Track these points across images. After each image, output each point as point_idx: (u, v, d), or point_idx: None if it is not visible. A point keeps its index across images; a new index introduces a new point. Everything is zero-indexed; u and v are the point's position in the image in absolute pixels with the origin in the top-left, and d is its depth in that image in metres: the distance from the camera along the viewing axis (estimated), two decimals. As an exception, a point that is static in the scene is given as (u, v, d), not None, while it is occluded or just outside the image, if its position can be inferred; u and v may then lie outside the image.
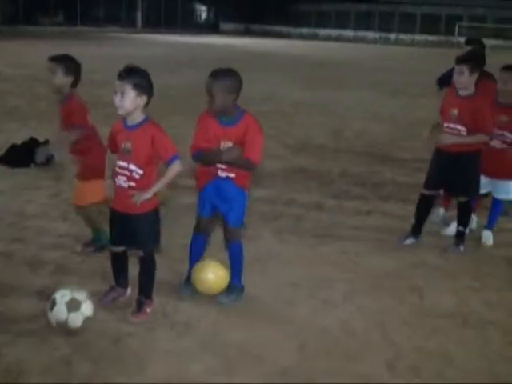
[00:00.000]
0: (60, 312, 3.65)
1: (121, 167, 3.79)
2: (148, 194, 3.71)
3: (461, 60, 5.00)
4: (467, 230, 5.49)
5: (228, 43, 37.58)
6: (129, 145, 3.73)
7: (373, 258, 5.07)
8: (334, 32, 51.61)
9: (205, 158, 4.04)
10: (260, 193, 6.90)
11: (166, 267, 4.54)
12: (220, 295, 4.22)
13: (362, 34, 50.50)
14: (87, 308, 3.73)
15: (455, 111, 5.04)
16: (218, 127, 4.00)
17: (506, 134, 5.35)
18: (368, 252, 5.13)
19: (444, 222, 6.01)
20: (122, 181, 3.80)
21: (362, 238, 5.43)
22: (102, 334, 3.76)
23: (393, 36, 49.88)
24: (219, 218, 4.31)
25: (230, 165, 4.01)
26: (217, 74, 3.91)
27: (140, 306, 3.98)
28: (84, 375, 3.37)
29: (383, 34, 50.08)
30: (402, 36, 49.19)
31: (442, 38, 47.05)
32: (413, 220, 5.47)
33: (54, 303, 3.69)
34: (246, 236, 5.47)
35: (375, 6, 52.76)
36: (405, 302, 4.41)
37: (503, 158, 5.41)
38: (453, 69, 6.43)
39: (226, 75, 3.92)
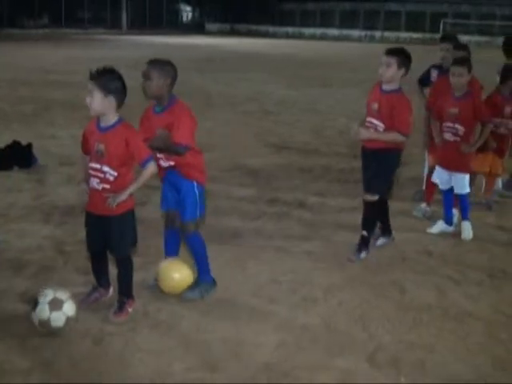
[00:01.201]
0: (42, 311, 3.66)
1: (94, 169, 3.78)
2: (123, 196, 3.71)
3: (390, 52, 4.78)
4: (383, 240, 5.36)
5: (213, 43, 37.57)
6: (102, 146, 3.73)
7: (354, 253, 5.08)
8: (319, 31, 51.74)
9: None
10: (242, 191, 6.94)
11: (147, 266, 4.54)
12: (185, 291, 4.22)
13: (346, 32, 50.67)
14: (69, 308, 3.74)
15: (376, 105, 4.84)
16: (153, 116, 4.07)
17: (457, 126, 5.39)
18: (349, 248, 5.15)
19: (426, 216, 6.06)
20: (95, 183, 3.79)
21: (344, 234, 5.45)
22: (85, 335, 3.76)
23: (378, 34, 50.07)
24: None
25: (163, 151, 4.02)
26: (155, 61, 4.03)
27: (121, 306, 3.99)
28: (66, 375, 3.38)
29: (368, 32, 50.27)
30: (387, 34, 49.39)
31: (427, 35, 47.30)
32: (364, 233, 5.11)
33: (36, 303, 3.70)
34: (227, 234, 5.54)
35: (360, 4, 52.94)
36: (385, 297, 4.45)
37: (456, 150, 5.45)
38: (431, 67, 6.53)
39: (163, 63, 4.04)
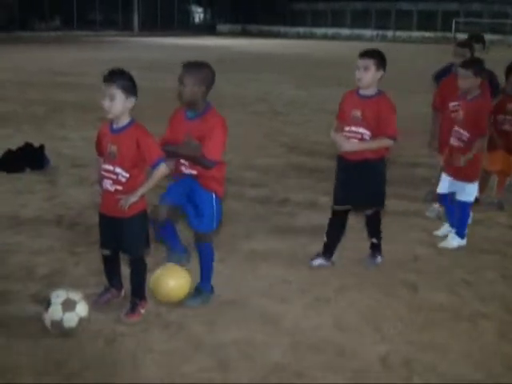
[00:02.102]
0: (55, 312, 3.69)
1: (107, 170, 3.80)
2: (134, 198, 3.72)
3: (366, 54, 4.49)
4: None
5: (224, 44, 37.62)
6: (114, 148, 3.75)
7: (364, 253, 5.06)
8: (331, 31, 51.66)
9: (167, 151, 3.99)
10: (254, 192, 6.95)
11: (159, 267, 4.56)
12: (187, 299, 4.20)
13: (358, 32, 50.52)
14: (82, 308, 3.76)
15: (358, 113, 4.51)
16: (184, 121, 4.03)
17: (462, 131, 5.15)
18: (360, 248, 5.13)
19: (438, 216, 6.03)
20: (108, 184, 3.81)
21: (355, 234, 5.42)
22: (97, 335, 3.78)
23: (390, 33, 49.90)
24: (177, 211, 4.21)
25: (189, 160, 3.98)
26: (190, 65, 3.98)
27: (133, 307, 4.00)
28: (79, 376, 3.40)
29: (380, 32, 50.11)
30: (399, 33, 49.22)
31: (438, 34, 47.12)
32: (325, 238, 4.94)
33: (49, 303, 3.72)
34: (238, 235, 5.55)
35: (371, 3, 52.81)
36: (397, 297, 4.44)
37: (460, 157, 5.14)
38: (450, 65, 6.32)
39: (199, 67, 3.99)
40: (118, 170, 3.75)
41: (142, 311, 4.02)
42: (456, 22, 47.63)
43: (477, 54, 6.07)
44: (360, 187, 4.62)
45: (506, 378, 3.51)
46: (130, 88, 3.69)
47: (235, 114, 11.60)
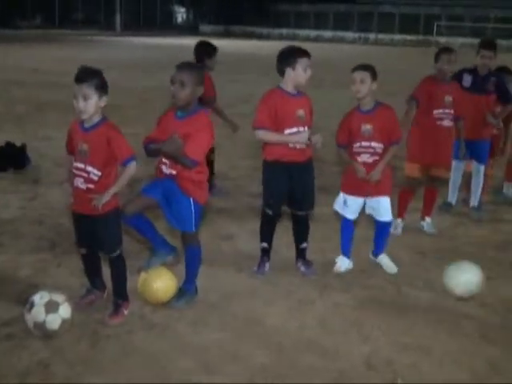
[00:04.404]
0: (38, 313, 3.66)
1: (78, 168, 3.78)
2: (107, 197, 3.70)
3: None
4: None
5: (207, 45, 37.49)
6: (85, 146, 3.73)
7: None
8: (313, 33, 51.79)
9: (150, 148, 3.99)
10: (238, 193, 6.96)
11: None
12: (171, 300, 4.18)
13: (340, 34, 50.74)
14: (65, 310, 3.74)
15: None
16: (173, 120, 4.02)
17: (374, 144, 4.65)
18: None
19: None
20: (79, 182, 3.79)
21: (337, 236, 5.43)
22: (80, 337, 3.76)
23: (372, 36, 50.19)
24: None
25: (171, 158, 3.96)
26: (187, 65, 3.97)
27: (116, 308, 3.98)
28: (62, 378, 3.37)
29: (362, 34, 50.37)
30: (382, 36, 49.52)
31: (420, 37, 47.46)
32: (263, 244, 4.85)
33: (32, 305, 3.69)
34: (222, 235, 5.55)
35: (354, 6, 53.09)
36: (381, 298, 4.47)
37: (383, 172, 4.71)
38: (463, 71, 6.23)
39: (197, 68, 4.01)
40: (90, 168, 3.73)
41: (125, 312, 4.00)
42: (438, 26, 48.07)
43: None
44: (297, 189, 4.63)
45: (490, 379, 3.55)
46: (103, 87, 3.68)
47: (218, 116, 11.57)
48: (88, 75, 3.64)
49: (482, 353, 3.80)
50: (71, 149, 3.86)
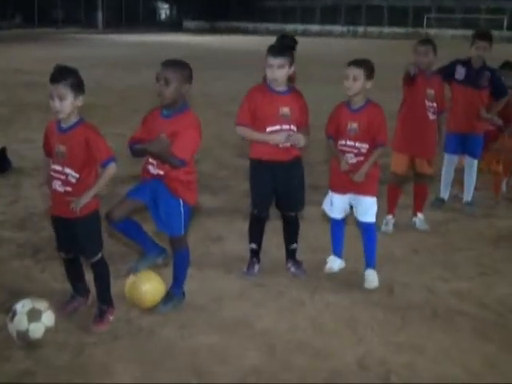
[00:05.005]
0: (20, 322, 3.63)
1: (56, 171, 3.76)
2: (86, 199, 3.68)
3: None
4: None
5: (192, 41, 37.48)
6: (63, 148, 3.71)
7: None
8: (301, 27, 51.86)
9: (136, 148, 3.96)
10: (227, 193, 6.94)
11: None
12: (158, 304, 4.17)
13: (328, 28, 50.86)
14: (48, 318, 3.71)
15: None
16: (158, 119, 3.99)
17: (358, 144, 4.57)
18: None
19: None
20: (57, 185, 3.77)
21: (328, 234, 5.40)
22: (64, 345, 3.73)
23: (361, 29, 50.34)
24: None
25: (157, 158, 3.93)
26: (171, 62, 3.94)
27: (101, 315, 3.96)
28: (46, 388, 3.36)
29: (351, 28, 50.51)
30: (370, 29, 49.68)
31: (410, 29, 47.65)
32: (252, 245, 4.86)
33: (14, 313, 3.66)
34: (211, 237, 5.54)
35: (341, -1, 53.26)
36: (373, 297, 4.48)
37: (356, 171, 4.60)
38: (456, 62, 6.26)
39: (183, 65, 3.97)
40: (68, 170, 3.71)
41: (111, 318, 3.98)
42: (427, 18, 48.30)
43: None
44: (284, 188, 4.62)
45: (485, 377, 3.57)
46: (79, 86, 3.66)
47: (207, 114, 11.56)
48: (63, 75, 3.62)
49: (477, 350, 3.82)
50: (48, 150, 3.83)
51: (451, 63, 6.31)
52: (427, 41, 5.70)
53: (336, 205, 4.76)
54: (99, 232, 3.94)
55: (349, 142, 4.58)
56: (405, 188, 6.09)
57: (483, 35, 6.21)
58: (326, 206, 4.87)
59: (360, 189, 4.62)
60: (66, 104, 3.62)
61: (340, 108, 4.71)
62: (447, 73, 6.26)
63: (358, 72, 4.45)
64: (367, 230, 4.75)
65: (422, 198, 5.96)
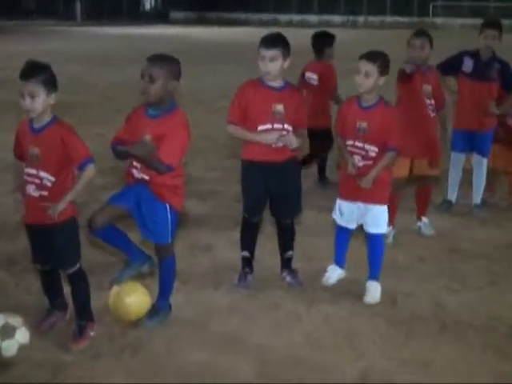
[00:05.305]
0: (-7, 340, 3.63)
1: (30, 175, 3.76)
2: (63, 204, 3.69)
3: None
4: None
5: (179, 34, 37.52)
6: (36, 150, 3.71)
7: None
8: (296, 17, 51.94)
9: (118, 150, 3.97)
10: (216, 197, 6.96)
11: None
12: (143, 319, 4.18)
13: (327, 18, 50.93)
14: (22, 335, 3.72)
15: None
16: (143, 118, 3.99)
17: (367, 146, 4.54)
18: (329, 258, 5.13)
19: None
20: (31, 190, 3.77)
21: (325, 241, 5.43)
22: (41, 364, 3.74)
23: (361, 19, 50.44)
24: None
25: (142, 162, 3.94)
26: (157, 58, 3.95)
27: (81, 331, 3.97)
28: (21, 411, 3.36)
29: (351, 17, 50.60)
30: (372, 18, 49.79)
31: (415, 19, 47.75)
32: (244, 253, 4.86)
33: (-14, 330, 3.66)
34: (199, 246, 5.56)
35: (340, -14, 53.33)
36: (375, 309, 4.50)
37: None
38: (463, 53, 6.27)
39: (169, 60, 3.98)
40: (43, 173, 3.72)
41: (92, 334, 3.99)
42: (434, 6, 48.43)
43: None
44: (278, 193, 4.64)
45: (496, 392, 3.60)
46: (52, 83, 3.69)
47: (196, 112, 11.58)
48: (34, 71, 3.64)
49: (488, 365, 3.84)
50: (20, 153, 3.84)
51: (458, 55, 6.34)
52: (422, 32, 5.62)
53: (345, 214, 4.72)
54: (77, 241, 3.95)
55: (357, 143, 4.54)
56: (407, 191, 6.10)
57: (492, 23, 6.26)
58: (334, 215, 4.83)
59: (368, 197, 4.58)
60: (38, 102, 3.63)
61: (349, 103, 4.67)
62: (454, 65, 6.31)
63: (371, 68, 4.39)
64: (376, 241, 4.72)
65: (426, 200, 5.97)
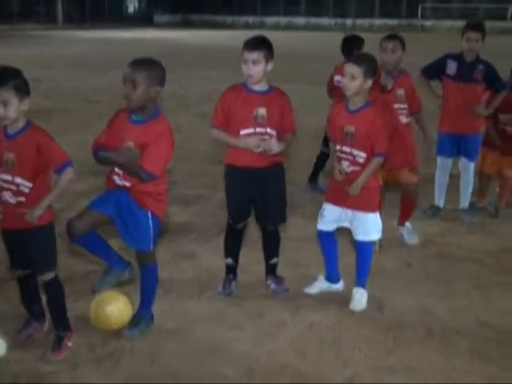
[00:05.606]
0: (-32, 352, 3.63)
1: (5, 181, 3.76)
2: (41, 210, 3.70)
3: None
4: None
5: (163, 37, 37.53)
6: (11, 156, 3.72)
7: (319, 269, 5.05)
8: (283, 20, 52.12)
9: (101, 156, 3.98)
10: (199, 203, 6.98)
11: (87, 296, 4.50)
12: (125, 329, 4.18)
13: (314, 20, 51.14)
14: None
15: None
16: (127, 124, 4.00)
17: (355, 151, 4.55)
18: (318, 262, 5.18)
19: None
20: (8, 196, 3.77)
21: (310, 247, 5.48)
22: (19, 377, 3.73)
23: (349, 22, 50.68)
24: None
25: (125, 170, 3.96)
26: (140, 62, 3.95)
27: (58, 342, 3.96)
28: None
29: (339, 20, 50.83)
30: (360, 21, 50.04)
31: (403, 21, 48.07)
32: (228, 260, 4.90)
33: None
34: (183, 253, 5.56)
35: (328, -12, 53.55)
36: (361, 316, 4.53)
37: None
38: (447, 57, 6.34)
39: (151, 65, 3.98)
40: (19, 180, 3.72)
41: (70, 345, 3.98)
42: (422, 8, 48.75)
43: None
44: (262, 199, 4.66)
45: (482, 399, 3.63)
46: (24, 88, 3.69)
47: (178, 116, 11.60)
48: (5, 77, 3.64)
49: (476, 371, 3.87)
50: None
51: (441, 58, 6.41)
52: (394, 36, 5.59)
53: (326, 216, 4.74)
54: (53, 247, 3.94)
55: (345, 148, 4.56)
56: (394, 197, 6.13)
57: (474, 26, 6.30)
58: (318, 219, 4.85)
59: (357, 204, 4.59)
60: (11, 110, 3.64)
61: (339, 108, 4.72)
62: (438, 68, 6.38)
63: (356, 70, 4.43)
64: (363, 249, 4.72)
65: (410, 209, 5.89)
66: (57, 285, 4.00)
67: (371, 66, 4.50)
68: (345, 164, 4.57)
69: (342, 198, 4.63)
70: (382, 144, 4.51)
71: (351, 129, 4.51)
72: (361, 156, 4.52)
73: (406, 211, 5.93)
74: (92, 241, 4.15)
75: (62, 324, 4.02)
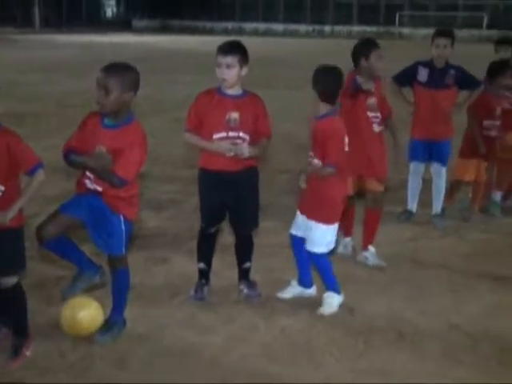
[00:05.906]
0: None
1: None
2: (12, 213, 3.66)
3: (229, 51, 4.48)
4: None
5: (142, 42, 37.46)
6: None
7: (292, 274, 5.02)
8: (262, 26, 52.30)
9: (73, 159, 3.96)
10: (172, 209, 6.97)
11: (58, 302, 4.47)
12: (96, 334, 4.15)
13: (292, 27, 51.37)
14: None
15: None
16: (99, 128, 3.98)
17: (316, 159, 4.58)
18: (291, 267, 5.19)
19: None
20: None
21: (284, 252, 5.47)
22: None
23: (327, 28, 50.98)
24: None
25: (97, 175, 3.94)
26: (113, 68, 3.93)
27: (16, 350, 3.90)
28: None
29: (317, 27, 51.11)
30: (338, 28, 50.36)
31: (381, 28, 48.49)
32: (201, 265, 4.90)
33: None
34: (155, 258, 5.55)
35: (306, -5, 53.86)
36: (332, 320, 4.54)
37: (316, 191, 4.61)
38: (417, 64, 6.44)
39: (124, 69, 3.96)
40: None
41: (27, 353, 3.93)
42: (400, 16, 49.23)
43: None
44: (235, 203, 4.67)
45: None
46: None
47: (152, 121, 11.57)
48: None
49: (447, 375, 3.91)
50: None
51: (412, 65, 6.50)
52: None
53: (297, 221, 4.77)
54: (22, 251, 3.89)
55: (311, 152, 4.61)
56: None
57: (442, 32, 6.38)
58: None
59: (309, 211, 4.62)
60: None
61: (311, 118, 4.78)
62: (409, 75, 6.48)
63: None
64: (314, 259, 4.70)
65: (374, 225, 5.64)
66: (18, 292, 3.94)
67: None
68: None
69: (300, 204, 4.70)
70: (330, 156, 4.46)
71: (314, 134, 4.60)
72: (316, 163, 4.53)
73: (370, 228, 5.65)
74: (62, 245, 4.12)
75: (20, 332, 3.96)
